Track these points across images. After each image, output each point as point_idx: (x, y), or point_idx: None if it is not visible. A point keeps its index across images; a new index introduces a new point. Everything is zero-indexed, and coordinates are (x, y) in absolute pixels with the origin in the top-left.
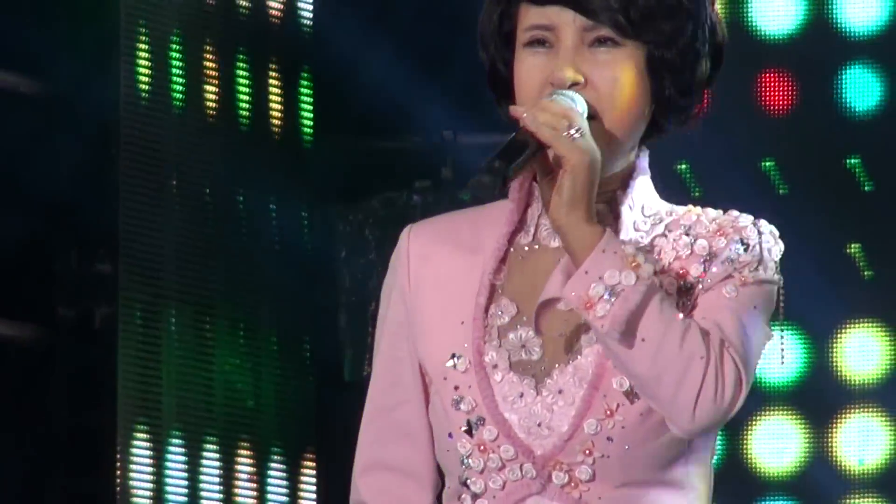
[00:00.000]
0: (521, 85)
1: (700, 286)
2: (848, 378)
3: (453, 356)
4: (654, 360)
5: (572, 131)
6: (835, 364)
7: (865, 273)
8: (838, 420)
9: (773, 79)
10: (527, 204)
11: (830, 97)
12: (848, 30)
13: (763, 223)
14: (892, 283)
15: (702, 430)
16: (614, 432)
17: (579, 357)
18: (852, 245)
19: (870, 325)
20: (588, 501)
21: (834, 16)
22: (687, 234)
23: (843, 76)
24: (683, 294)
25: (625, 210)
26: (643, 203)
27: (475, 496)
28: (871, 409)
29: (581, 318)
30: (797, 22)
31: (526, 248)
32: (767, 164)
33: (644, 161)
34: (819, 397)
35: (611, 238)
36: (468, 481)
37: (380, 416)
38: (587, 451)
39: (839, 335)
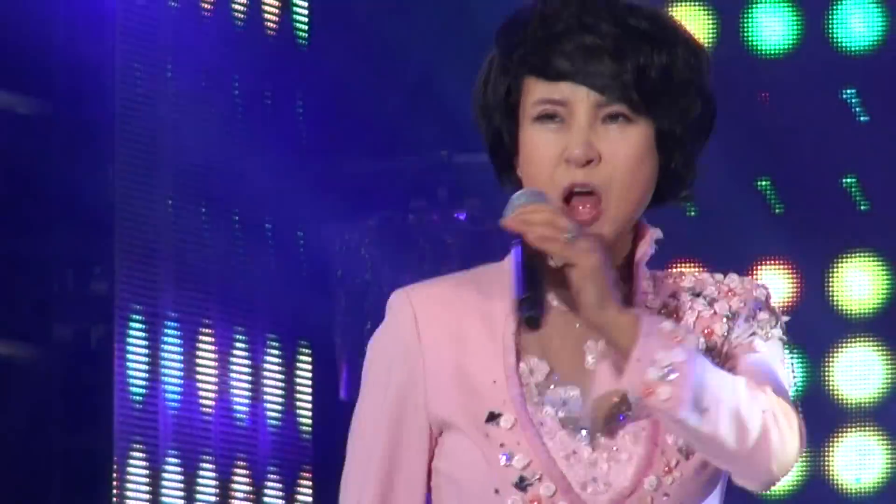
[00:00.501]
0: (533, 159)
1: (726, 344)
2: (844, 398)
3: (493, 414)
4: (725, 424)
5: (567, 236)
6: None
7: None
8: (834, 440)
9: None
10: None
11: (827, 33)
12: None
13: (767, 287)
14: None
15: (779, 480)
16: (672, 488)
17: (604, 433)
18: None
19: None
20: None
21: None
22: (698, 296)
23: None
24: (710, 353)
25: (643, 282)
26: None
27: None
28: (868, 429)
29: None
30: None
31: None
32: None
33: (649, 232)
34: (815, 416)
35: (650, 321)
36: None
37: (384, 473)
38: None
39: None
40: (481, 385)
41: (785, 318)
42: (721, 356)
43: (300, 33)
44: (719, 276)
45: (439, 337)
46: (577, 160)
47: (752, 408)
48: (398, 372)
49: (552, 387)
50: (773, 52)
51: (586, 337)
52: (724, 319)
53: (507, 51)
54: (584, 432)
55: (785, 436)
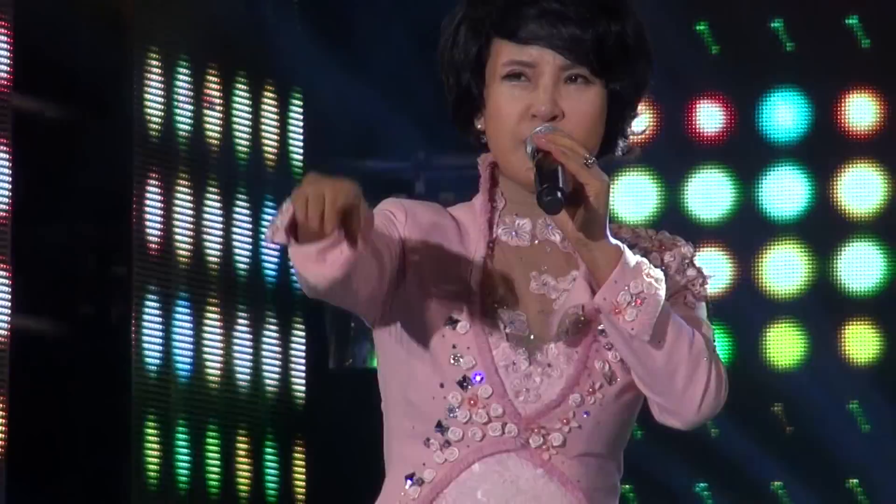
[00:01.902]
0: (501, 113)
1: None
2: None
3: (451, 318)
4: (671, 359)
5: (589, 161)
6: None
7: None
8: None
9: None
10: (490, 204)
11: None
12: None
13: (691, 245)
14: None
15: (702, 422)
16: (593, 407)
17: (566, 338)
18: None
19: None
20: (554, 465)
21: None
22: (633, 248)
23: None
24: None
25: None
26: None
27: (447, 442)
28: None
29: (563, 305)
30: None
31: (493, 243)
32: None
33: None
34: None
35: (629, 253)
36: (448, 429)
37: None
38: (565, 421)
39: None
40: (448, 293)
41: (710, 276)
42: None
43: (294, 50)
44: (651, 231)
45: (422, 240)
46: (543, 115)
47: (698, 354)
48: (392, 214)
49: (504, 307)
50: None
51: (531, 270)
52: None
53: (478, 14)
54: (522, 349)
55: (715, 385)
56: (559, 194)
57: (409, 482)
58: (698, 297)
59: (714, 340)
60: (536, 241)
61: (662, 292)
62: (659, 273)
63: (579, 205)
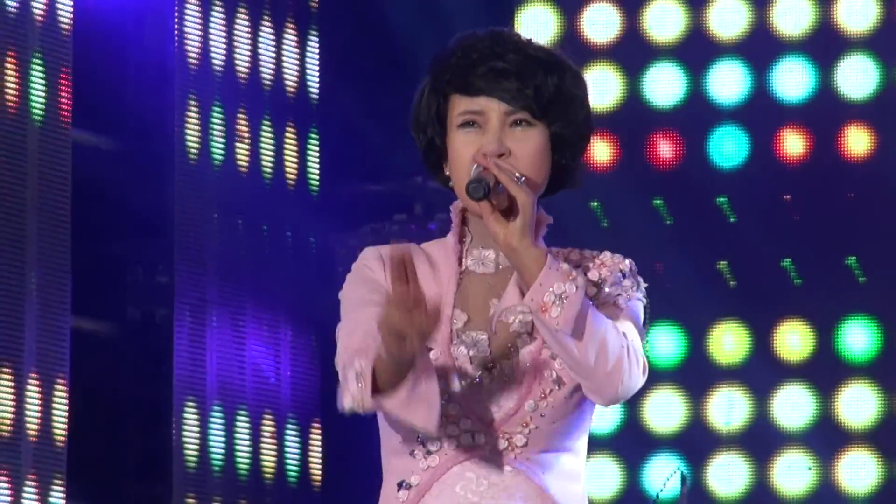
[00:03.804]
0: (458, 156)
1: (596, 300)
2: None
3: (427, 349)
4: (594, 349)
5: (518, 178)
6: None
7: None
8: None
9: None
10: (460, 243)
11: None
12: None
13: (631, 262)
14: None
15: (622, 400)
16: (546, 410)
17: (518, 354)
18: None
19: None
20: (520, 462)
21: None
22: (577, 266)
23: None
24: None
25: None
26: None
27: (429, 452)
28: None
29: (516, 324)
30: None
31: (462, 276)
32: None
33: (545, 217)
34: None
35: (553, 258)
36: (427, 441)
37: (361, 305)
38: (524, 424)
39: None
40: None
41: (645, 285)
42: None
43: (312, 89)
44: (595, 252)
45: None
46: (491, 153)
47: (614, 343)
48: (371, 271)
49: (467, 332)
50: None
51: (492, 296)
52: (594, 284)
53: (436, 75)
54: (482, 368)
55: (633, 369)
56: (483, 185)
57: (399, 488)
58: (630, 300)
59: (640, 333)
60: (500, 268)
61: (582, 292)
62: (582, 278)
63: (510, 216)
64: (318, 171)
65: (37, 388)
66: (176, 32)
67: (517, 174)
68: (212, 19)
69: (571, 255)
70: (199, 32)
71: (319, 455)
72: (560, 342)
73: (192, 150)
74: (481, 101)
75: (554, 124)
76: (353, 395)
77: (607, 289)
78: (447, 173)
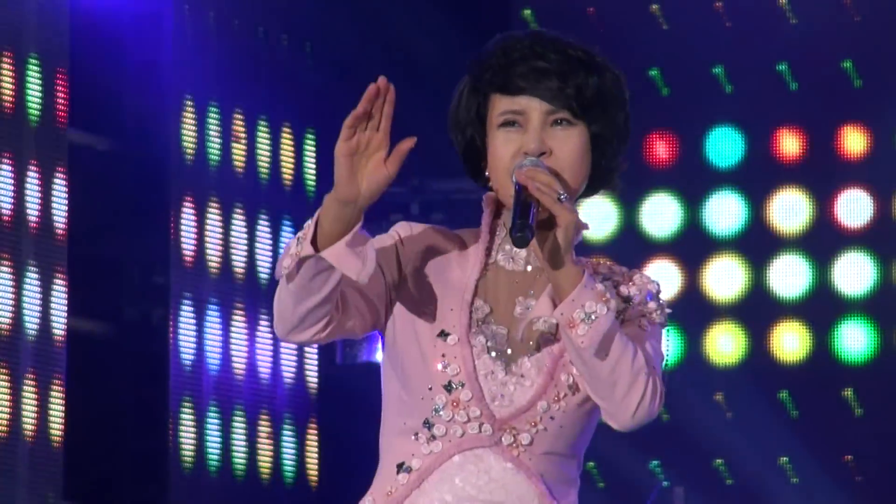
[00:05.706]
0: (498, 155)
1: (621, 317)
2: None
3: (444, 332)
4: (613, 371)
5: (561, 196)
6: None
7: None
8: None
9: None
10: (491, 234)
11: None
12: None
13: (658, 282)
14: None
15: (636, 427)
16: (557, 413)
17: (538, 354)
18: None
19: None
20: (522, 460)
21: None
22: (607, 280)
23: None
24: None
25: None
26: None
27: (433, 437)
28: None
29: (540, 322)
30: None
31: (489, 267)
32: None
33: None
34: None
35: (590, 279)
36: (433, 425)
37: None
38: (533, 423)
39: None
40: (444, 309)
41: (668, 311)
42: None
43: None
44: (625, 269)
45: (423, 260)
46: (532, 152)
47: (637, 371)
48: (391, 239)
49: (488, 323)
50: None
51: (519, 294)
52: (623, 300)
53: (476, 74)
54: (500, 361)
55: (650, 397)
56: (528, 233)
57: (399, 470)
58: (652, 324)
59: (660, 360)
60: (530, 268)
61: (613, 314)
62: (615, 302)
63: (551, 230)
64: (314, 172)
65: (33, 389)
66: (172, 34)
67: (560, 192)
68: (209, 20)
69: (600, 268)
70: (196, 33)
71: (316, 455)
72: (584, 360)
73: (189, 151)
74: (522, 101)
75: (594, 124)
76: (291, 255)
77: (633, 308)
78: (486, 174)
